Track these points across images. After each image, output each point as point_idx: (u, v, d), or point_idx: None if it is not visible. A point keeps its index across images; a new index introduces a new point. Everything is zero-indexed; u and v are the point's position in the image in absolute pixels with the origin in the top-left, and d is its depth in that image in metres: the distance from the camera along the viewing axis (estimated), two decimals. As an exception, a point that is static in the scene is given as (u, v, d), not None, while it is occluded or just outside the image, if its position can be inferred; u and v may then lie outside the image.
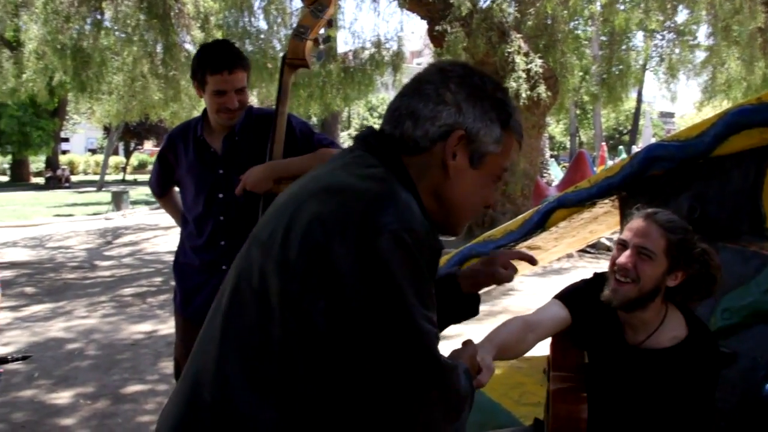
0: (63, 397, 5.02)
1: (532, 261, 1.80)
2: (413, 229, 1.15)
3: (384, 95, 27.94)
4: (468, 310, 1.68)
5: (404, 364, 1.15)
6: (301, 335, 1.15)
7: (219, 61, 2.77)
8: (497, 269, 1.65)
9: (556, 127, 44.41)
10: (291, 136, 2.88)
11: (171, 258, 3.14)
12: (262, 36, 14.06)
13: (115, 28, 13.39)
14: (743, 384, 2.74)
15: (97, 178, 37.59)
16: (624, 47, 15.56)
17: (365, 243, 1.12)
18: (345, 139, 31.35)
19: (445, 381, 1.23)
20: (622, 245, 2.10)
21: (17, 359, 3.15)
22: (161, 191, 3.24)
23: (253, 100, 17.69)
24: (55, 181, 36.84)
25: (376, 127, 1.38)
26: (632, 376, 2.10)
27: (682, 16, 15.80)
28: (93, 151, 55.84)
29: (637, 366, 2.10)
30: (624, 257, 2.06)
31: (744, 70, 14.48)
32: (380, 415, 1.17)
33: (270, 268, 1.20)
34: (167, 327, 6.55)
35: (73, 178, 40.99)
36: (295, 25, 2.98)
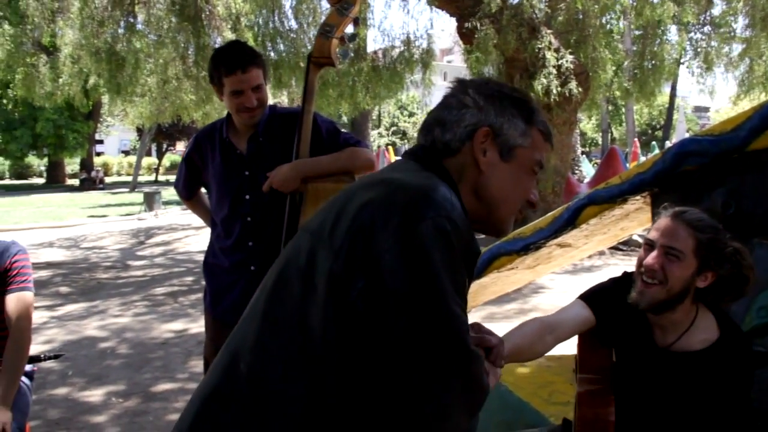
0: (95, 395, 5.09)
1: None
2: (453, 219, 1.21)
3: (414, 93, 27.93)
4: None
5: (434, 346, 1.17)
6: (339, 315, 1.19)
7: (232, 61, 2.78)
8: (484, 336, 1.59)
9: (587, 123, 43.92)
10: (317, 135, 2.87)
11: (202, 257, 3.16)
12: (293, 36, 14.14)
13: (148, 31, 13.59)
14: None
15: (130, 179, 38.17)
16: (657, 41, 15.32)
17: (407, 227, 1.18)
18: (375, 138, 31.40)
19: (471, 370, 1.23)
20: (650, 245, 2.04)
21: (49, 358, 3.19)
22: (189, 194, 3.25)
23: (284, 100, 17.80)
24: (90, 182, 37.46)
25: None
26: (662, 379, 2.04)
27: (717, 8, 15.52)
28: (126, 153, 56.78)
29: (667, 369, 2.04)
30: (651, 258, 2.00)
31: (783, 62, 14.17)
32: (402, 397, 1.17)
33: (318, 250, 1.25)
34: (198, 326, 6.61)
35: (107, 180, 41.68)
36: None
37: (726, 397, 1.96)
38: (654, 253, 2.00)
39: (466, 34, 11.53)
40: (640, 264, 2.05)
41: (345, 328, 1.19)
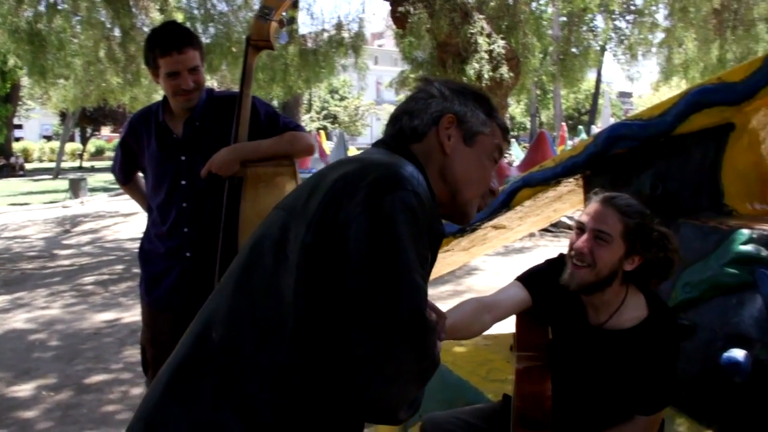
0: (25, 389, 4.93)
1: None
2: (419, 195, 1.27)
3: (345, 77, 27.82)
4: None
5: (393, 312, 1.19)
6: (310, 284, 1.24)
7: (167, 42, 2.71)
8: None
9: (516, 108, 44.70)
10: (256, 119, 2.84)
11: (133, 245, 3.09)
12: (225, 19, 13.85)
13: (71, 10, 13.05)
14: (703, 355, 2.82)
15: (52, 165, 36.71)
16: (584, 28, 15.71)
17: (374, 198, 1.23)
18: (306, 122, 31.11)
19: (426, 341, 1.25)
20: (580, 229, 2.11)
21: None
22: (125, 178, 3.17)
23: (215, 84, 17.47)
24: (9, 169, 35.87)
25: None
26: (595, 355, 2.13)
27: (641, -3, 16.00)
28: (48, 138, 54.49)
29: (600, 346, 2.13)
30: (581, 241, 2.07)
31: (700, 50, 14.74)
32: (357, 361, 1.20)
33: (292, 224, 1.30)
34: (131, 315, 6.46)
35: (28, 166, 39.99)
36: (258, 7, 2.92)
37: (654, 372, 2.05)
38: (584, 237, 2.07)
39: (399, 18, 11.57)
40: (571, 247, 2.12)
41: (315, 296, 1.24)
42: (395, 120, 1.52)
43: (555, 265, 2.32)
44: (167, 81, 2.74)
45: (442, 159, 1.47)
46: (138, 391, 4.64)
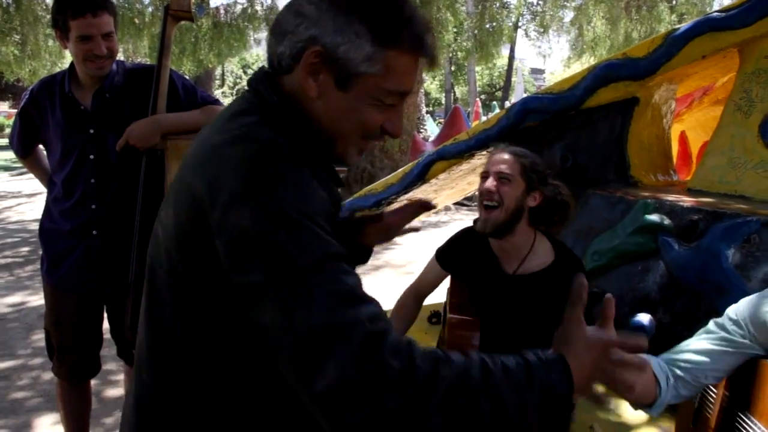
0: (-77, 378, 4.67)
1: (428, 206, 1.67)
2: (297, 189, 0.96)
3: (258, 52, 27.32)
4: (359, 257, 1.61)
5: (308, 305, 0.89)
6: (185, 318, 1.07)
7: (81, 3, 2.57)
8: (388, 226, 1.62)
9: (431, 84, 45.11)
10: (173, 92, 2.74)
11: (37, 227, 2.94)
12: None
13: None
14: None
15: (-54, 142, 34.63)
16: (498, 4, 15.94)
17: (242, 217, 0.92)
18: (219, 98, 30.52)
19: (358, 320, 0.90)
20: (485, 176, 2.28)
21: None
22: (24, 151, 2.99)
23: (119, 56, 16.80)
24: None
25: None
26: (512, 302, 2.26)
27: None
28: (-59, 114, 51.30)
29: (515, 292, 2.26)
30: (487, 183, 2.24)
31: (608, 29, 15.25)
32: (292, 377, 0.90)
33: (163, 237, 1.09)
34: (38, 299, 6.18)
35: None
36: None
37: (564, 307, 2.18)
38: (489, 180, 2.25)
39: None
40: (480, 193, 2.28)
41: (195, 335, 1.07)
42: (270, 34, 1.16)
43: (469, 232, 2.43)
44: (78, 45, 2.59)
45: (308, 102, 1.11)
46: (48, 376, 4.47)
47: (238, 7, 14.60)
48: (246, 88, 1.21)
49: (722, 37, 3.45)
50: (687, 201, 3.21)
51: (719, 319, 1.55)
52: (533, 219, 2.26)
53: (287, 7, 1.13)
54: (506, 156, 2.25)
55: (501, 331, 2.27)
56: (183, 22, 2.94)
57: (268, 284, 0.89)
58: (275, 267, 0.89)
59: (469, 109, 25.19)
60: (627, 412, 2.96)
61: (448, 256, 2.48)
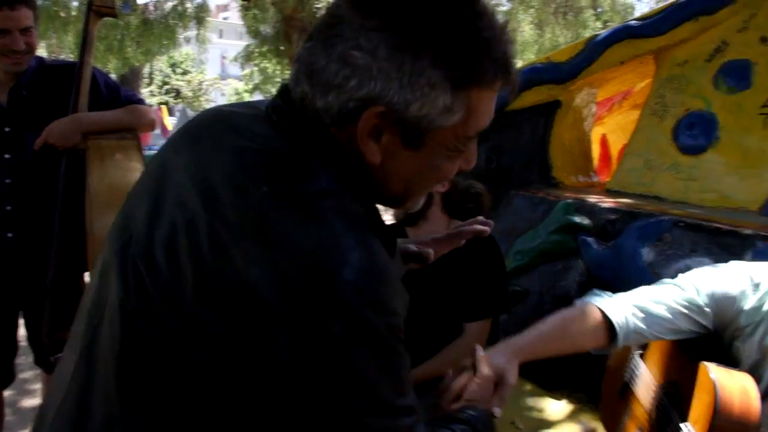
0: None
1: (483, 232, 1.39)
2: (380, 301, 0.78)
3: (188, 50, 26.85)
4: None
5: None
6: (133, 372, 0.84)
7: None
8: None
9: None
10: (95, 90, 2.67)
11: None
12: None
13: None
14: (533, 318, 3.02)
15: None
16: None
17: (312, 333, 0.76)
18: (147, 97, 29.74)
19: None
20: None
21: None
22: None
23: (42, 52, 16.24)
24: None
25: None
26: (429, 283, 2.29)
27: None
28: None
29: (432, 274, 2.30)
30: None
31: (537, 33, 15.65)
32: None
33: (136, 252, 0.86)
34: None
35: None
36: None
37: (477, 281, 2.26)
38: None
39: (243, -9, 11.32)
40: None
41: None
42: (296, 77, 0.87)
43: (391, 227, 2.48)
44: None
45: (369, 166, 0.86)
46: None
47: (168, 4, 14.31)
48: (272, 114, 0.90)
49: (639, 44, 3.60)
50: (605, 201, 3.33)
51: (684, 280, 1.50)
52: (447, 206, 2.31)
53: (321, 43, 0.84)
54: None
55: (422, 315, 2.31)
56: (107, 18, 2.87)
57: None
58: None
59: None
60: (548, 407, 3.05)
61: None
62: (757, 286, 1.41)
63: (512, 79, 0.87)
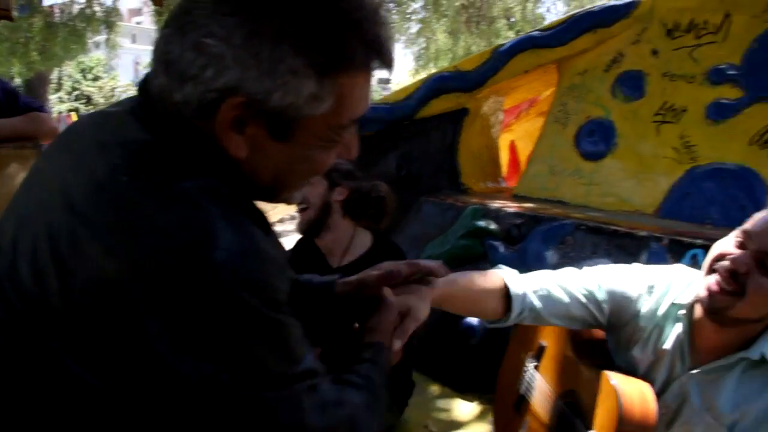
0: None
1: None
2: (253, 279, 0.75)
3: (99, 56, 26.02)
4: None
5: None
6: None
7: None
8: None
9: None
10: None
11: None
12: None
13: None
14: (444, 323, 3.07)
15: None
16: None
17: (185, 319, 0.72)
18: (55, 103, 28.64)
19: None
20: None
21: None
22: None
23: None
24: None
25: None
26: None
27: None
28: None
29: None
30: None
31: (450, 42, 15.94)
32: None
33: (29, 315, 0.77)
34: None
35: None
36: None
37: None
38: None
39: (155, -5, 11.05)
40: None
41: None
42: (154, 69, 0.81)
43: (301, 239, 2.50)
44: None
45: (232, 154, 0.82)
46: None
47: (75, 8, 13.82)
48: (134, 105, 0.85)
49: (542, 54, 3.72)
50: (511, 206, 3.42)
51: (588, 273, 1.52)
52: (349, 212, 2.34)
53: (177, 30, 0.78)
54: None
55: (337, 331, 2.34)
56: (3, 21, 2.75)
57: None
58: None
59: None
60: (460, 409, 3.10)
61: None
62: (651, 289, 1.45)
63: (387, 61, 0.82)
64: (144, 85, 0.85)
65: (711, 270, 1.29)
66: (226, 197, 0.78)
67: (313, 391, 0.81)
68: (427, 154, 3.92)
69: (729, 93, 3.23)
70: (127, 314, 0.71)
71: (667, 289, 1.43)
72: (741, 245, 1.26)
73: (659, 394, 1.38)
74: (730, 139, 3.20)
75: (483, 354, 2.97)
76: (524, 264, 3.15)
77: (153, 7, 12.07)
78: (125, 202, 0.75)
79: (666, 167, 3.37)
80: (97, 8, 13.65)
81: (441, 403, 3.17)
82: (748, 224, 1.28)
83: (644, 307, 1.45)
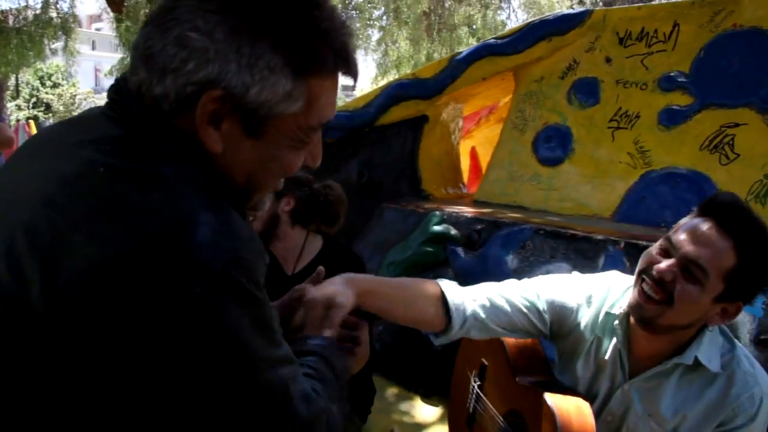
0: None
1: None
2: (239, 257, 0.76)
3: (58, 62, 25.60)
4: None
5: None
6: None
7: None
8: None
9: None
10: None
11: None
12: None
13: None
14: (404, 328, 3.10)
15: None
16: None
17: (177, 298, 0.72)
18: (13, 111, 28.12)
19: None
20: None
21: None
22: None
23: None
24: None
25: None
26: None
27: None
28: None
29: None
30: None
31: (412, 49, 16.04)
32: None
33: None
34: None
35: None
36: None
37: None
38: None
39: (114, 2, 10.93)
40: None
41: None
42: (133, 66, 0.84)
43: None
44: None
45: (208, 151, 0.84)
46: None
47: (30, 13, 13.57)
48: (108, 108, 0.87)
49: (499, 62, 3.78)
50: (471, 212, 3.46)
51: (528, 283, 1.53)
52: (297, 220, 2.35)
53: (158, 27, 0.81)
54: None
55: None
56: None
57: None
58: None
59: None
60: (424, 413, 3.13)
61: None
62: (590, 299, 1.47)
63: (353, 70, 0.87)
64: (117, 85, 0.87)
65: (640, 278, 1.30)
66: (203, 183, 0.80)
67: (295, 381, 0.83)
68: (388, 160, 3.95)
69: (679, 100, 3.33)
70: (118, 299, 0.71)
71: (604, 299, 1.45)
72: (666, 253, 1.27)
73: (605, 403, 1.41)
74: (681, 144, 3.30)
75: (446, 358, 3.01)
76: (485, 269, 3.20)
77: (112, 14, 11.93)
78: (104, 189, 0.76)
79: (621, 172, 3.45)
80: (53, 13, 13.42)
81: (404, 406, 3.20)
82: (672, 231, 1.29)
83: (584, 318, 1.46)
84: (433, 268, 3.38)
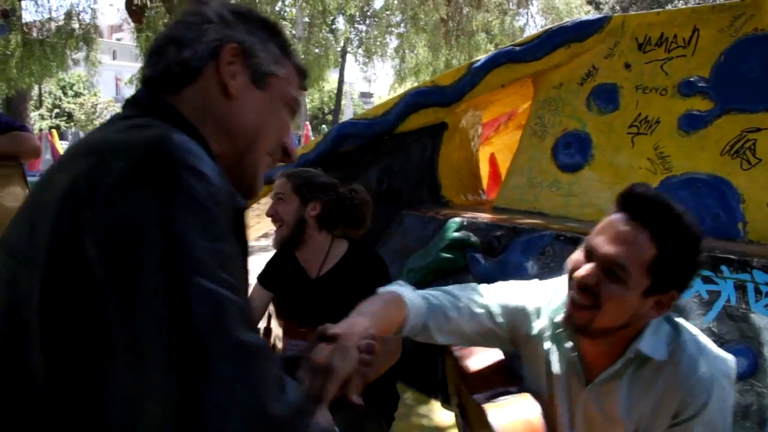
0: None
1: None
2: (202, 173, 0.80)
3: (80, 72, 25.90)
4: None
5: (195, 348, 0.72)
6: (64, 353, 0.77)
7: None
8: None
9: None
10: None
11: None
12: None
13: None
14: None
15: None
16: (325, 30, 16.26)
17: (129, 201, 0.75)
18: (36, 120, 28.43)
19: (253, 373, 0.77)
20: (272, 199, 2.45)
21: None
22: None
23: None
24: None
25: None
26: (317, 301, 2.35)
27: (378, 2, 17.03)
28: None
29: (322, 291, 2.37)
30: (269, 208, 2.40)
31: (430, 55, 16.08)
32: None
33: (20, 271, 0.82)
34: None
35: None
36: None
37: (364, 287, 2.33)
38: (270, 203, 2.41)
39: (135, 12, 11.05)
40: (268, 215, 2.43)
41: (72, 375, 0.77)
42: (158, 52, 1.02)
43: (281, 253, 2.53)
44: None
45: (225, 106, 1.01)
46: None
47: (54, 25, 13.78)
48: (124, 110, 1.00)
49: (518, 69, 3.79)
50: (491, 218, 3.47)
51: (485, 288, 1.53)
52: (324, 225, 2.38)
53: (177, 23, 1.05)
54: (281, 180, 2.40)
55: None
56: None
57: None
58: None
59: (300, 133, 25.33)
60: (441, 417, 3.13)
61: (267, 278, 2.57)
62: (546, 305, 1.45)
63: (305, 82, 1.14)
64: (150, 71, 1.03)
65: (569, 286, 1.27)
66: (195, 144, 0.87)
67: (241, 312, 0.78)
68: (408, 168, 3.97)
69: (700, 105, 3.32)
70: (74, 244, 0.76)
71: (551, 304, 1.43)
72: (588, 256, 1.24)
73: (570, 412, 1.39)
74: (702, 150, 3.28)
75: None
76: (505, 275, 3.18)
77: (133, 24, 12.07)
78: (97, 146, 0.86)
79: (642, 178, 3.44)
80: (75, 25, 13.62)
81: (423, 411, 3.21)
82: (591, 234, 1.27)
83: (539, 324, 1.44)
84: (453, 275, 3.39)
